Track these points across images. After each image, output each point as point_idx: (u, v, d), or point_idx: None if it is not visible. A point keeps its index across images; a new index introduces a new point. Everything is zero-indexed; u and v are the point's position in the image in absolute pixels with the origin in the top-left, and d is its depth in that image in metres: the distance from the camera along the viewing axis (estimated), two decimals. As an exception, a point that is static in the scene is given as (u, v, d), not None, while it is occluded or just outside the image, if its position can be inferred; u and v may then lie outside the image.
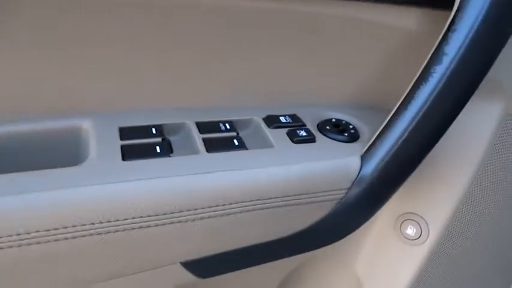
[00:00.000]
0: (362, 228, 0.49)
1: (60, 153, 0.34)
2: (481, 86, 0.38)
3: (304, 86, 0.42)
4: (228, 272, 0.37)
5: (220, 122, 0.37)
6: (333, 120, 0.41)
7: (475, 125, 0.45)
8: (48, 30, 0.31)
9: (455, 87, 0.33)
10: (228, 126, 0.37)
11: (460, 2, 0.33)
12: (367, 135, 0.40)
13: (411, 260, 0.50)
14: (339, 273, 0.54)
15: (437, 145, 0.44)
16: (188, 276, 0.35)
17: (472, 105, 0.39)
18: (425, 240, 0.48)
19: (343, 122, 0.41)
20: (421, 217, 0.48)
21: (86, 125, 0.35)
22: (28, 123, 0.34)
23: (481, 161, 0.45)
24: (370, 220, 0.50)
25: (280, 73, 0.40)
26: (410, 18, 0.38)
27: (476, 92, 0.39)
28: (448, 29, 0.33)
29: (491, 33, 0.32)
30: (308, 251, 0.39)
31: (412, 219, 0.49)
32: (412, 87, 0.34)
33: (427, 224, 0.48)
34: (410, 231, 0.49)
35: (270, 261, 0.39)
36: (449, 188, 0.46)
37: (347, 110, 0.43)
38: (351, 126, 0.41)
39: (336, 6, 0.36)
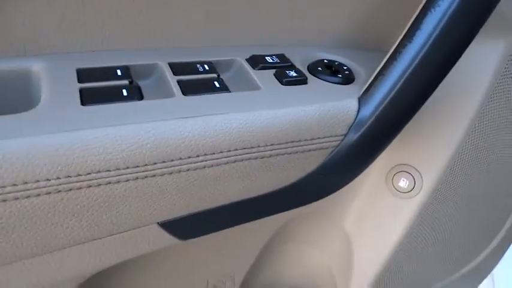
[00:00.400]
0: (353, 184, 0.46)
1: (6, 100, 0.29)
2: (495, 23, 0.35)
3: (292, 23, 0.37)
4: (212, 232, 0.33)
5: (198, 62, 0.32)
6: (325, 61, 0.37)
7: (473, 73, 0.41)
8: None
9: (457, 27, 0.29)
10: (206, 68, 0.32)
11: None
12: (363, 77, 0.36)
13: (402, 213, 0.48)
14: (329, 230, 0.52)
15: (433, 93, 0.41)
16: (167, 238, 0.31)
17: (472, 49, 0.35)
18: (418, 193, 0.46)
19: (336, 63, 0.37)
20: (416, 169, 0.46)
21: (37, 66, 0.29)
22: None
23: (478, 110, 0.42)
24: (365, 173, 0.47)
25: (264, 7, 0.35)
26: None
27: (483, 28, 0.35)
28: None
29: None
30: (300, 205, 0.36)
31: (406, 171, 0.46)
32: (411, 26, 0.30)
33: (421, 176, 0.46)
34: (403, 183, 0.47)
35: (257, 218, 0.35)
36: (445, 138, 0.43)
37: (339, 51, 0.39)
38: (345, 67, 0.37)
39: None
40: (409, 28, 0.31)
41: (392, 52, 0.31)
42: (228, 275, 0.51)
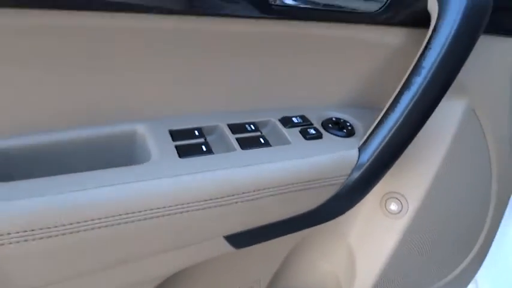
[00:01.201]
0: (354, 207, 0.60)
1: (117, 154, 0.42)
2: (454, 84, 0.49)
3: (310, 91, 0.51)
4: (256, 243, 0.47)
5: (246, 123, 0.47)
6: (334, 119, 0.51)
7: (445, 115, 0.55)
8: (103, 57, 0.39)
9: (430, 92, 0.44)
10: (253, 127, 0.46)
11: (434, 25, 0.43)
12: (361, 131, 0.50)
13: (394, 231, 0.61)
14: (336, 245, 0.65)
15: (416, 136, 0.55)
16: (228, 247, 0.44)
17: (442, 103, 0.50)
18: (406, 214, 0.59)
19: (342, 120, 0.51)
20: (402, 195, 0.59)
21: (141, 129, 0.43)
22: (90, 129, 0.41)
23: (448, 149, 0.56)
24: (362, 200, 0.61)
25: (290, 81, 0.49)
26: (396, 37, 0.48)
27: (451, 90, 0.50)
28: (425, 47, 0.43)
29: (458, 50, 0.43)
30: (316, 224, 0.49)
31: (395, 197, 0.60)
32: (398, 93, 0.45)
33: (406, 200, 0.59)
34: (394, 207, 0.60)
35: (288, 233, 0.48)
36: (423, 171, 0.58)
37: (344, 110, 0.53)
38: (348, 124, 0.51)
39: (335, 28, 0.45)
40: (395, 95, 0.45)
41: (383, 114, 0.45)
42: (256, 281, 0.64)
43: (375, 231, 0.62)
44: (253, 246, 0.51)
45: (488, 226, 0.72)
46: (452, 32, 0.42)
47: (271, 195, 0.42)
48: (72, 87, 0.39)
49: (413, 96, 0.44)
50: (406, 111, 0.44)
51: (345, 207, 0.49)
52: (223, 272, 0.58)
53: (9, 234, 0.31)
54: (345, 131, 0.50)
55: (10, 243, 0.32)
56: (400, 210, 0.60)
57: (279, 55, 0.46)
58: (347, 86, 0.52)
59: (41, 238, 0.33)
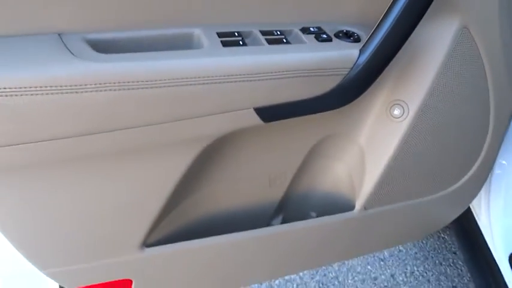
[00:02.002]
0: (364, 112, 0.74)
1: (182, 45, 0.59)
2: (441, 2, 0.61)
3: (326, 11, 0.65)
4: (278, 119, 0.63)
5: (274, 30, 0.62)
6: (345, 30, 0.65)
7: (439, 32, 0.67)
8: None
9: (413, 6, 0.56)
10: (279, 33, 0.61)
11: None
12: (365, 39, 0.64)
13: (398, 132, 0.74)
14: (349, 145, 0.80)
15: (412, 50, 0.67)
16: (257, 120, 0.60)
17: (435, 18, 0.62)
18: (406, 117, 0.72)
19: (350, 31, 0.65)
20: (404, 101, 0.72)
21: (197, 31, 0.59)
22: (155, 31, 0.58)
23: (443, 61, 0.68)
24: (370, 105, 0.74)
25: (309, 4, 0.63)
26: None
27: (438, 8, 0.61)
28: None
29: None
30: (326, 110, 0.64)
31: (398, 104, 0.73)
32: (388, 8, 0.57)
33: (408, 106, 0.72)
34: (397, 111, 0.74)
35: (304, 114, 0.63)
36: (422, 81, 0.70)
37: (355, 25, 0.67)
38: (355, 34, 0.64)
39: None
40: (386, 9, 0.58)
41: (377, 25, 0.59)
42: (283, 172, 0.80)
43: (382, 133, 0.76)
44: (281, 139, 0.67)
45: (490, 141, 0.83)
46: None
47: (288, 77, 0.57)
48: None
49: (399, 11, 0.56)
50: (394, 21, 0.57)
51: (348, 97, 0.63)
52: (257, 160, 0.75)
53: (112, 83, 0.50)
54: (351, 38, 0.63)
55: (112, 89, 0.50)
56: (402, 114, 0.73)
57: None
58: (353, 6, 0.65)
59: (131, 89, 0.51)
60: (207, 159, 0.68)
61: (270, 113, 0.61)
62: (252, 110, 0.59)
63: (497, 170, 1.00)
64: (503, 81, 0.75)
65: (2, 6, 0.50)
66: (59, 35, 0.54)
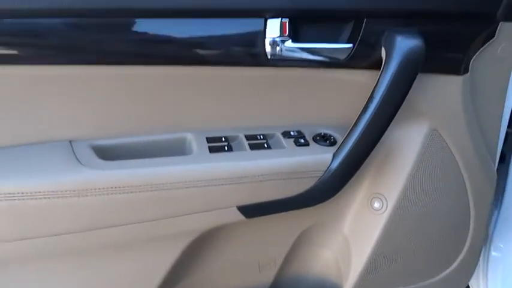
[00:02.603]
0: (347, 204, 0.79)
1: (175, 149, 0.67)
2: (411, 110, 0.68)
3: (306, 115, 0.73)
4: (260, 215, 0.68)
5: (258, 134, 0.69)
6: (322, 133, 0.72)
7: (409, 134, 0.73)
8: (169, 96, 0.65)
9: (380, 117, 0.63)
10: (261, 137, 0.69)
11: (382, 67, 0.63)
12: (339, 142, 0.71)
13: (379, 225, 0.78)
14: (334, 233, 0.84)
15: (387, 148, 0.74)
16: (240, 216, 0.66)
17: (405, 121, 0.69)
18: (386, 210, 0.77)
19: (328, 134, 0.72)
20: (382, 195, 0.77)
21: (189, 136, 0.68)
22: (153, 137, 0.67)
23: (416, 160, 0.73)
24: (351, 197, 0.79)
25: (292, 109, 0.72)
26: (362, 76, 0.68)
27: (409, 114, 0.68)
28: (376, 83, 0.63)
29: (399, 85, 0.62)
30: (301, 207, 0.69)
31: (377, 197, 0.78)
32: (358, 117, 0.65)
33: (386, 200, 0.77)
34: (377, 205, 0.78)
35: (282, 211, 0.69)
36: (398, 178, 0.75)
37: (332, 127, 0.74)
38: (332, 137, 0.71)
39: (315, 71, 0.67)
40: (357, 117, 0.65)
41: (349, 132, 0.66)
42: (272, 259, 0.84)
43: (364, 224, 0.80)
44: (268, 229, 0.72)
45: (473, 227, 0.85)
46: (394, 72, 0.61)
47: (269, 180, 0.64)
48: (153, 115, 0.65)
49: (368, 119, 0.63)
50: (363, 131, 0.64)
51: (323, 197, 0.69)
52: (246, 248, 0.80)
53: (109, 188, 0.57)
54: (328, 142, 0.70)
55: (108, 193, 0.57)
56: (382, 207, 0.78)
57: (282, 91, 0.69)
58: (332, 111, 0.73)
59: (124, 193, 0.58)
60: (195, 251, 0.73)
61: (252, 211, 0.67)
62: (235, 208, 0.65)
63: (494, 252, 1.01)
64: (478, 173, 0.79)
65: (20, 118, 0.60)
66: (70, 142, 0.62)
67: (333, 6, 0.62)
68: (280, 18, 0.62)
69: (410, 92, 0.64)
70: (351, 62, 0.66)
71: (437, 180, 0.77)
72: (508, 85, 0.77)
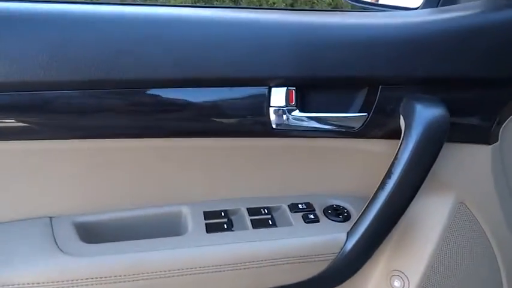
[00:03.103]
0: (364, 282, 0.70)
1: (169, 226, 0.61)
2: (435, 181, 0.60)
3: (317, 185, 0.66)
4: None
5: (262, 207, 0.63)
6: (334, 205, 0.65)
7: (434, 208, 0.66)
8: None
9: (400, 193, 0.56)
10: (266, 211, 0.62)
11: (402, 138, 0.56)
12: (355, 217, 0.63)
13: None
14: None
15: (408, 222, 0.66)
16: None
17: (429, 194, 0.61)
18: None
19: (340, 207, 0.65)
20: (403, 273, 0.69)
21: (185, 210, 0.61)
22: (145, 210, 0.60)
23: (441, 237, 0.65)
24: (369, 273, 0.71)
25: (302, 177, 0.65)
26: (378, 146, 0.62)
27: (433, 185, 0.61)
28: (395, 157, 0.56)
29: (421, 158, 0.55)
30: None
31: (398, 275, 0.70)
32: (374, 194, 0.57)
33: (408, 279, 0.68)
34: (397, 284, 0.70)
35: None
36: (421, 254, 0.67)
37: (345, 198, 0.67)
38: (345, 211, 0.64)
39: (327, 141, 0.61)
40: (373, 195, 0.58)
41: (365, 208, 0.58)
42: None
43: None
44: None
45: None
46: (416, 143, 0.55)
47: (273, 264, 0.56)
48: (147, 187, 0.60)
49: (387, 194, 0.56)
50: (382, 206, 0.56)
51: (335, 282, 0.61)
52: None
53: (94, 278, 0.51)
54: (341, 216, 0.63)
55: (93, 284, 0.51)
56: (403, 287, 0.69)
57: (290, 160, 0.63)
58: (347, 180, 0.66)
59: (106, 283, 0.51)
60: None
61: None
62: None
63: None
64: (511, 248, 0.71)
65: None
66: (50, 218, 0.57)
67: (344, 74, 0.57)
68: (285, 87, 0.56)
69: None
70: (365, 131, 0.60)
71: (465, 258, 0.68)
72: None
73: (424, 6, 0.78)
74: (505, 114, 0.62)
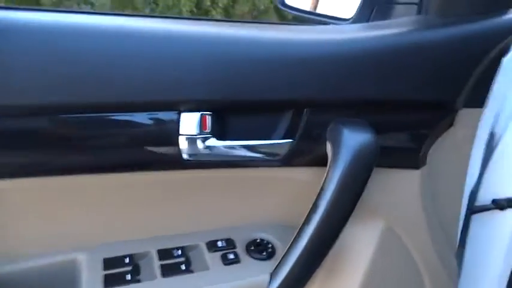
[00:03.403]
0: None
1: (59, 280, 0.50)
2: (363, 207, 0.55)
3: (239, 217, 0.59)
4: None
5: (175, 248, 0.54)
6: (258, 240, 0.58)
7: (364, 235, 0.61)
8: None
9: (328, 226, 0.50)
10: (179, 252, 0.54)
11: (329, 165, 0.50)
12: (280, 251, 0.57)
13: None
14: None
15: (338, 250, 0.61)
16: None
17: (359, 220, 0.57)
18: None
19: (265, 241, 0.58)
20: None
21: (80, 258, 0.51)
22: (30, 261, 0.49)
23: (370, 264, 0.61)
24: None
25: (219, 209, 0.57)
26: (303, 174, 0.56)
27: (361, 212, 0.56)
28: (322, 187, 0.51)
29: (349, 186, 0.50)
30: None
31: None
32: (299, 229, 0.51)
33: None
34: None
35: None
36: (350, 280, 0.62)
37: (269, 230, 0.60)
38: (270, 245, 0.58)
39: (246, 172, 0.54)
40: (298, 231, 0.52)
41: (289, 246, 0.52)
42: None
43: None
44: None
45: None
46: (343, 171, 0.49)
47: None
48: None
49: (314, 229, 0.50)
50: (308, 243, 0.51)
51: None
52: None
53: None
54: (264, 253, 0.56)
55: None
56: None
57: (207, 193, 0.55)
58: (272, 210, 0.60)
59: None
60: None
61: None
62: None
63: None
64: (438, 270, 0.69)
65: None
66: None
67: (266, 96, 0.50)
68: (199, 112, 0.48)
69: None
70: (290, 159, 0.53)
71: (394, 283, 0.65)
72: (467, 170, 0.68)
73: (356, 17, 0.74)
74: (433, 137, 0.59)
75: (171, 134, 0.47)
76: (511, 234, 0.71)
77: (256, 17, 5.11)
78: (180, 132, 0.48)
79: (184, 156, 0.48)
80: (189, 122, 0.48)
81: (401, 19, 0.63)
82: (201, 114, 0.48)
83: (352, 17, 0.74)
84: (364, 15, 0.72)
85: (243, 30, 0.54)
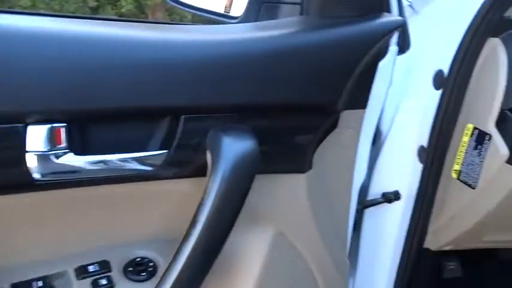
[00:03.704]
0: None
1: None
2: (251, 214, 0.53)
3: (115, 236, 0.53)
4: None
5: (34, 280, 0.47)
6: (138, 259, 0.53)
7: (254, 242, 0.60)
8: None
9: (212, 231, 0.47)
10: (40, 284, 0.47)
11: (209, 174, 0.47)
12: (163, 269, 0.52)
13: None
14: None
15: (229, 259, 0.58)
16: None
17: (248, 228, 0.54)
18: None
19: (145, 260, 0.53)
20: None
21: None
22: None
23: (262, 266, 0.59)
24: None
25: (97, 232, 0.51)
26: (184, 185, 0.52)
27: (249, 219, 0.53)
28: (202, 198, 0.47)
29: (230, 194, 0.47)
30: None
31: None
32: (184, 238, 0.47)
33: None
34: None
35: None
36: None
37: (150, 246, 0.55)
38: (150, 264, 0.53)
39: (126, 186, 0.48)
40: (177, 249, 0.48)
41: (168, 267, 0.48)
42: None
43: None
44: None
45: None
46: (223, 181, 0.46)
47: None
48: None
49: (194, 245, 0.47)
50: (188, 261, 0.47)
51: None
52: None
53: None
54: (144, 273, 0.52)
55: None
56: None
57: (74, 213, 0.48)
58: (151, 225, 0.55)
59: None
60: None
61: None
62: None
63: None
64: (328, 268, 0.70)
65: None
66: None
67: (134, 103, 0.45)
68: (49, 124, 0.41)
69: (248, 195, 0.50)
70: (166, 171, 0.49)
71: (288, 286, 0.65)
72: (353, 170, 0.70)
73: (245, 16, 0.71)
74: (317, 140, 0.58)
75: (15, 151, 0.40)
76: (399, 225, 0.74)
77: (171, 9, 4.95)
78: (27, 149, 0.41)
79: (35, 176, 0.42)
80: (37, 136, 0.41)
81: (285, 20, 0.62)
82: (52, 126, 0.41)
83: (240, 16, 0.71)
84: (252, 13, 0.70)
85: (110, 29, 0.48)
